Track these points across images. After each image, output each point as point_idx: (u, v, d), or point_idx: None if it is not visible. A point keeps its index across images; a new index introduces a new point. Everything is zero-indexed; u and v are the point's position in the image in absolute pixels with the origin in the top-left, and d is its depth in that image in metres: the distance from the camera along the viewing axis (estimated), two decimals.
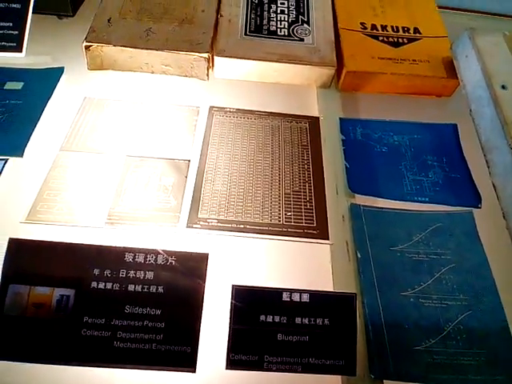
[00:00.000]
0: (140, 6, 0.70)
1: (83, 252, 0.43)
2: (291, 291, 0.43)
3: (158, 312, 0.42)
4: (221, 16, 0.72)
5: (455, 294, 0.50)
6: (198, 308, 0.42)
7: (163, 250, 0.43)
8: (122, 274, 0.42)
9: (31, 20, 0.66)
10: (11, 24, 0.66)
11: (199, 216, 0.53)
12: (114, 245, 0.44)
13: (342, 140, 0.63)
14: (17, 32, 0.65)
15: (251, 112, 0.66)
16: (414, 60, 0.70)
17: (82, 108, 0.63)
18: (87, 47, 0.64)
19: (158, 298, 0.42)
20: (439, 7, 0.79)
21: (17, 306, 0.41)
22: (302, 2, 0.75)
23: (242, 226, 0.53)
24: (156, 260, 0.43)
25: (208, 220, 0.53)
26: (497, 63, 0.61)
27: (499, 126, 0.55)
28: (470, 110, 0.62)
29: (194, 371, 0.41)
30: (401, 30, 0.74)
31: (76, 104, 0.63)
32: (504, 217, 0.53)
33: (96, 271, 0.42)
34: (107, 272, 0.42)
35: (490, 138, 0.57)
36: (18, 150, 0.56)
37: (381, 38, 0.73)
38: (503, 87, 0.58)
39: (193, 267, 0.43)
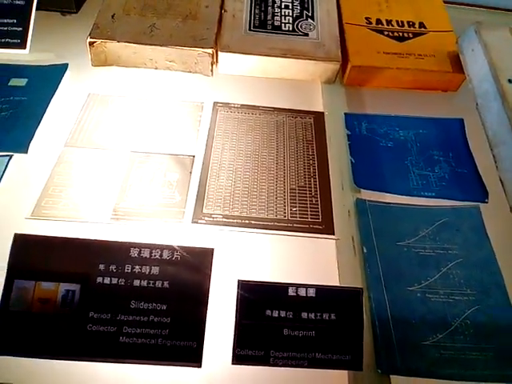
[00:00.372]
0: (144, 2, 0.70)
1: (88, 247, 0.43)
2: (297, 286, 0.43)
3: (164, 307, 0.42)
4: (225, 11, 0.71)
5: (462, 289, 0.49)
6: (203, 303, 0.42)
7: (169, 245, 0.43)
8: (128, 269, 0.42)
9: (35, 17, 0.66)
10: (15, 21, 0.66)
11: (204, 211, 0.53)
12: (119, 240, 0.44)
13: (348, 135, 0.63)
14: (21, 29, 0.65)
15: (256, 107, 0.65)
16: (419, 55, 0.69)
17: (87, 104, 0.63)
18: (91, 43, 0.64)
19: (164, 293, 0.42)
20: (445, 2, 0.78)
21: (22, 301, 0.41)
22: None
23: (247, 222, 0.53)
24: (161, 255, 0.43)
25: (213, 215, 0.53)
26: (503, 57, 0.61)
27: (506, 120, 0.55)
28: (477, 105, 0.61)
29: (200, 366, 0.41)
30: (406, 25, 0.74)
31: (80, 100, 0.63)
32: (511, 211, 0.52)
33: (101, 266, 0.42)
34: (113, 267, 0.42)
35: (497, 132, 0.57)
36: (22, 146, 0.56)
37: (386, 33, 0.72)
38: (510, 81, 0.58)
39: (198, 262, 0.43)
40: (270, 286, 0.43)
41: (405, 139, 0.63)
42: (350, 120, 0.65)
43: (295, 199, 0.55)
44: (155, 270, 0.42)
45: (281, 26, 0.70)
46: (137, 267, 0.42)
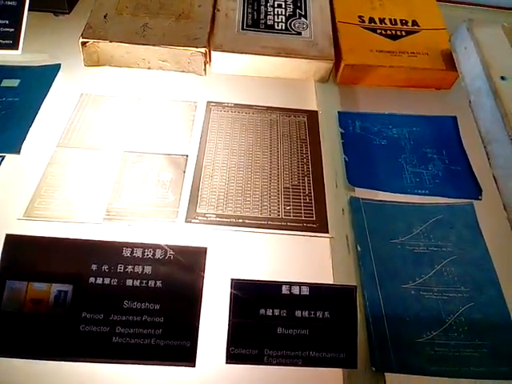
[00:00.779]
0: (136, 1, 0.70)
1: (81, 247, 0.42)
2: (291, 284, 0.43)
3: (157, 307, 0.42)
4: (218, 11, 0.71)
5: (456, 286, 0.49)
6: (196, 302, 0.42)
7: (161, 244, 0.43)
8: (120, 268, 0.42)
9: (27, 17, 0.65)
10: (7, 21, 0.65)
11: (198, 211, 0.53)
12: (112, 240, 0.44)
13: (341, 133, 0.63)
14: (13, 29, 0.65)
15: (249, 106, 0.65)
16: (412, 53, 0.70)
17: (79, 104, 0.62)
18: (84, 43, 0.64)
19: (157, 292, 0.42)
20: (438, 0, 0.78)
21: (14, 301, 0.40)
22: None
23: (240, 221, 0.53)
24: (154, 254, 0.43)
25: (206, 215, 0.53)
26: (496, 54, 0.61)
27: (499, 118, 0.55)
28: (470, 102, 0.61)
29: (194, 366, 0.41)
30: (399, 23, 0.74)
31: (73, 100, 0.63)
32: (505, 208, 0.52)
33: (94, 266, 0.42)
34: (105, 267, 0.42)
35: (490, 129, 0.57)
36: (14, 147, 0.55)
37: (379, 31, 0.72)
38: (502, 78, 0.58)
39: (191, 261, 0.43)
40: (263, 284, 0.43)
41: (398, 137, 0.63)
42: (344, 118, 0.65)
43: (289, 198, 0.55)
44: (148, 269, 0.42)
45: (274, 24, 0.70)
46: (129, 267, 0.42)
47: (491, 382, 0.44)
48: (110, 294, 0.41)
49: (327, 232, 0.53)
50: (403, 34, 0.72)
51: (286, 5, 0.74)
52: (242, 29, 0.69)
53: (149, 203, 0.53)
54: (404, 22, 0.74)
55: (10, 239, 0.42)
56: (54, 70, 0.65)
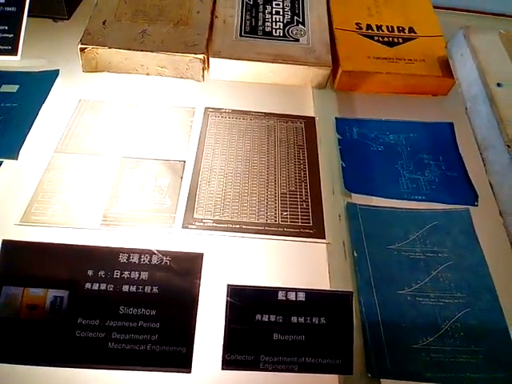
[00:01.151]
0: (135, 8, 0.70)
1: (77, 253, 0.42)
2: (287, 290, 0.43)
3: (153, 312, 0.42)
4: (216, 17, 0.72)
5: (452, 292, 0.49)
6: (193, 308, 0.42)
7: (158, 250, 0.43)
8: (117, 274, 0.42)
9: (26, 23, 0.66)
10: (6, 27, 0.66)
11: (195, 216, 0.53)
12: (109, 246, 0.44)
13: (338, 139, 0.63)
14: (12, 35, 0.65)
15: (247, 112, 0.66)
16: (409, 59, 0.70)
17: (78, 110, 0.63)
18: (82, 49, 0.64)
19: (153, 298, 0.42)
20: (435, 7, 0.79)
21: (10, 307, 0.40)
22: (297, 3, 0.76)
23: (237, 226, 0.53)
24: (150, 260, 0.43)
25: (203, 220, 0.53)
26: (492, 61, 0.61)
27: (495, 124, 0.55)
28: (466, 109, 0.62)
29: (190, 372, 0.41)
30: (396, 30, 0.74)
31: (71, 106, 0.63)
32: (501, 214, 0.52)
33: (90, 272, 0.42)
34: (101, 273, 0.42)
35: (486, 135, 0.57)
36: (12, 152, 0.55)
37: (376, 38, 0.73)
38: (498, 85, 0.58)
39: (187, 267, 0.43)
40: (259, 290, 0.43)
41: (395, 143, 0.64)
42: (341, 125, 0.65)
43: (286, 203, 0.55)
44: (144, 275, 0.42)
45: (272, 31, 0.71)
46: (126, 273, 0.42)
47: None
48: (106, 300, 0.41)
49: (324, 238, 0.53)
50: (400, 40, 0.73)
51: (283, 12, 0.74)
52: (240, 35, 0.70)
53: (146, 209, 0.53)
54: (401, 29, 0.74)
55: (7, 245, 0.42)
56: (53, 75, 0.66)
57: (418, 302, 0.48)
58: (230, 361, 0.41)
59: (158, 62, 0.66)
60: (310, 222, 0.54)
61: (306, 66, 0.67)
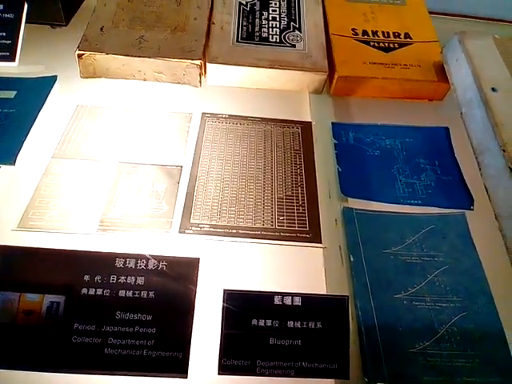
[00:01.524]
0: (132, 14, 0.71)
1: (73, 258, 0.43)
2: (283, 295, 0.43)
3: (149, 318, 0.42)
4: (213, 24, 0.72)
5: (449, 296, 0.49)
6: (189, 313, 0.42)
7: (151, 256, 0.43)
8: (113, 279, 0.42)
9: (24, 29, 0.66)
10: (4, 34, 0.66)
11: (191, 221, 0.53)
12: (105, 251, 0.44)
13: (335, 144, 0.63)
14: (10, 41, 0.66)
15: (243, 118, 0.66)
16: (405, 65, 0.70)
17: (75, 116, 0.63)
18: (80, 55, 0.65)
19: (149, 303, 0.42)
20: (430, 12, 0.80)
21: (7, 313, 0.40)
22: (293, 9, 0.76)
23: (234, 231, 0.53)
24: (147, 265, 0.43)
25: (200, 225, 0.53)
26: (487, 66, 0.62)
27: (490, 128, 0.55)
28: (461, 113, 0.62)
29: (186, 377, 0.41)
30: (392, 36, 0.75)
31: (69, 112, 0.63)
32: (496, 218, 0.53)
33: (86, 277, 0.42)
34: (98, 278, 0.42)
35: (481, 140, 0.57)
36: (10, 158, 0.56)
37: (372, 44, 0.73)
38: (493, 89, 0.59)
39: (184, 272, 0.43)
40: (255, 295, 0.43)
41: (391, 148, 0.64)
42: (337, 129, 0.65)
43: (282, 208, 0.56)
44: (140, 280, 0.42)
45: (268, 37, 0.71)
46: (122, 278, 0.42)
47: None
48: (102, 305, 0.41)
49: (320, 242, 0.53)
50: (396, 46, 0.73)
51: (280, 18, 0.75)
52: (237, 41, 0.70)
53: (143, 214, 0.53)
54: (397, 35, 0.75)
55: (3, 250, 0.42)
56: (51, 81, 0.66)
57: (415, 306, 0.48)
58: (227, 366, 0.41)
59: (156, 67, 0.67)
60: (306, 227, 0.54)
61: (302, 72, 0.68)
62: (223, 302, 0.42)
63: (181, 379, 0.41)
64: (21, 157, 0.56)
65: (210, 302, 0.45)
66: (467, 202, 0.58)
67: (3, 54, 0.65)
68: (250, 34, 0.71)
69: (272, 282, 0.50)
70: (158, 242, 0.51)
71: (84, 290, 0.42)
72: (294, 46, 0.70)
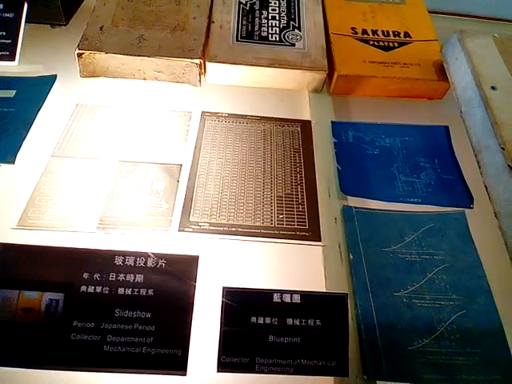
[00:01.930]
0: (132, 13, 0.71)
1: (72, 256, 0.43)
2: (282, 292, 0.43)
3: (148, 315, 0.42)
4: (212, 23, 0.72)
5: (448, 294, 0.49)
6: (188, 310, 0.42)
7: (152, 253, 0.43)
8: (112, 277, 0.42)
9: (24, 29, 0.66)
10: (4, 33, 0.66)
11: (191, 220, 0.53)
12: (105, 249, 0.44)
13: (334, 143, 0.63)
14: (10, 41, 0.66)
15: (243, 116, 0.66)
16: (404, 63, 0.70)
17: (75, 114, 0.63)
18: (79, 55, 0.65)
19: (148, 300, 0.42)
20: (430, 11, 0.80)
21: (6, 310, 0.40)
22: (293, 8, 0.76)
23: (233, 229, 0.53)
24: (146, 263, 0.43)
25: (200, 223, 0.53)
26: (486, 64, 0.62)
27: (489, 127, 0.55)
28: (461, 112, 0.62)
29: (185, 374, 0.41)
30: (391, 35, 0.75)
31: (68, 111, 0.63)
32: (496, 216, 0.53)
33: (85, 275, 0.42)
34: (97, 276, 0.42)
35: (481, 138, 0.57)
36: (9, 156, 0.56)
37: (371, 43, 0.73)
38: (493, 88, 0.59)
39: (183, 270, 0.43)
40: (254, 292, 0.43)
41: (391, 146, 0.64)
42: (337, 128, 0.65)
43: (282, 206, 0.56)
44: (140, 277, 0.42)
45: (268, 36, 0.71)
46: (121, 275, 0.42)
47: None
48: (101, 303, 0.41)
49: (320, 240, 0.53)
50: (395, 45, 0.73)
51: (280, 17, 0.75)
52: (237, 40, 0.70)
53: (142, 212, 0.53)
54: (396, 34, 0.75)
55: (3, 248, 0.42)
56: (50, 80, 0.66)
57: (414, 304, 0.48)
58: (226, 363, 0.41)
59: (155, 66, 0.67)
60: (305, 225, 0.54)
61: (301, 71, 0.68)
62: (222, 299, 0.42)
63: (180, 376, 0.41)
64: (20, 155, 0.56)
65: (209, 299, 0.45)
66: (467, 200, 0.58)
67: (3, 53, 0.65)
68: (249, 32, 0.71)
69: (271, 280, 0.50)
70: (157, 241, 0.51)
71: (83, 288, 0.42)
72: (293, 44, 0.70)
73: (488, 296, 0.50)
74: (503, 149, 0.52)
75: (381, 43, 0.73)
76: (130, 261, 0.43)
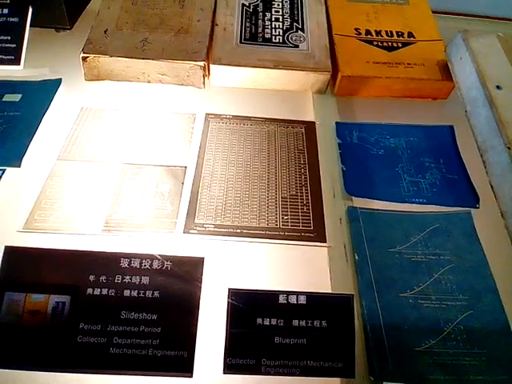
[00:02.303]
0: (136, 17, 0.71)
1: (78, 258, 0.43)
2: (288, 293, 0.43)
3: (154, 317, 0.42)
4: (216, 25, 0.72)
5: (455, 295, 0.49)
6: (194, 312, 0.42)
7: (159, 255, 0.43)
8: (118, 279, 0.42)
9: (29, 33, 0.67)
10: (9, 37, 0.67)
11: (196, 221, 0.53)
12: (110, 251, 0.44)
13: (339, 144, 0.63)
14: (15, 45, 0.66)
15: (247, 118, 0.66)
16: (408, 64, 0.70)
17: (80, 118, 0.63)
18: (84, 58, 0.65)
19: (154, 302, 0.42)
20: (433, 11, 0.79)
21: (13, 313, 0.41)
22: (296, 10, 0.76)
23: (238, 231, 0.53)
24: (151, 265, 0.43)
25: (205, 225, 0.53)
26: (491, 64, 0.62)
27: (495, 126, 0.55)
28: (466, 111, 0.62)
29: (191, 376, 0.41)
30: (395, 35, 0.75)
31: (73, 114, 0.64)
32: (502, 216, 0.52)
33: (91, 277, 0.42)
34: (103, 278, 0.42)
35: (486, 138, 0.57)
36: (15, 160, 0.56)
37: (375, 43, 0.73)
38: (498, 87, 0.58)
39: (188, 271, 0.43)
40: (260, 293, 0.43)
41: (396, 147, 0.64)
42: (341, 129, 0.65)
43: (287, 208, 0.56)
44: (145, 279, 0.43)
45: (271, 38, 0.71)
46: (127, 277, 0.42)
47: None
48: (107, 305, 0.42)
49: (325, 241, 0.53)
50: (399, 45, 0.73)
51: (283, 18, 0.75)
52: (240, 42, 0.70)
53: (147, 214, 0.53)
54: (400, 34, 0.75)
55: (9, 251, 0.42)
56: (55, 84, 0.67)
57: (420, 304, 0.48)
58: (232, 365, 0.41)
59: (159, 69, 0.67)
60: (310, 226, 0.54)
61: (305, 72, 0.68)
62: (228, 300, 0.42)
63: (186, 378, 0.41)
64: (26, 159, 0.56)
65: (214, 301, 0.45)
66: (473, 200, 0.57)
67: (8, 57, 0.66)
68: (253, 34, 0.72)
69: (277, 281, 0.50)
70: (162, 243, 0.52)
71: (89, 290, 0.42)
72: (297, 46, 0.71)
73: (495, 296, 0.49)
74: (509, 148, 0.52)
75: (384, 44, 0.73)
76: (136, 263, 0.43)
